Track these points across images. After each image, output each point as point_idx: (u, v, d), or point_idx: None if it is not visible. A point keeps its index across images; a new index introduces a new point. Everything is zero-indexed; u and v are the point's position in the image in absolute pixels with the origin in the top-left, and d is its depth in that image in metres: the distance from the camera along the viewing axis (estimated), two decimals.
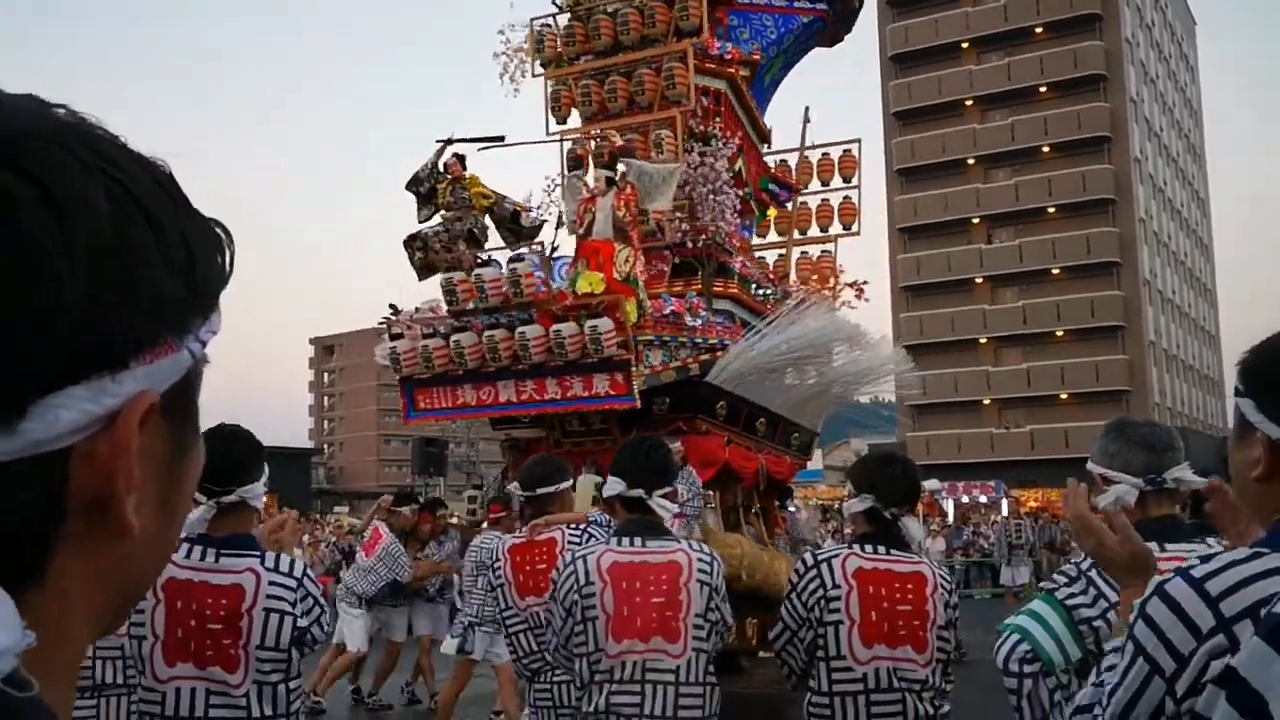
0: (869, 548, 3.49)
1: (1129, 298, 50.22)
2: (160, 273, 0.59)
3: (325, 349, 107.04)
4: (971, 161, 52.92)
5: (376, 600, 9.93)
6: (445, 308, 7.51)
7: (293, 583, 3.31)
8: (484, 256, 7.97)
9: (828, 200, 10.18)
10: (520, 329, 7.06)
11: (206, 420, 0.66)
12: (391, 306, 7.83)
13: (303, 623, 3.31)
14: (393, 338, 7.26)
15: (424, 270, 8.14)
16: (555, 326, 7.00)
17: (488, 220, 8.24)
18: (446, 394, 7.36)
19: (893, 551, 3.49)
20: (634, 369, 7.19)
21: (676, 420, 7.73)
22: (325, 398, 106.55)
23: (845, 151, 9.64)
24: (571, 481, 4.77)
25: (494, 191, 8.26)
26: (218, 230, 0.66)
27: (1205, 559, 1.57)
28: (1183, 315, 58.95)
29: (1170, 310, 56.21)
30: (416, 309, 7.62)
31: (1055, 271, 50.84)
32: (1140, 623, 1.56)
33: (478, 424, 72.41)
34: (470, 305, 7.31)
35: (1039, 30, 51.92)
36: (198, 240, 0.63)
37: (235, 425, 3.36)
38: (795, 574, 3.54)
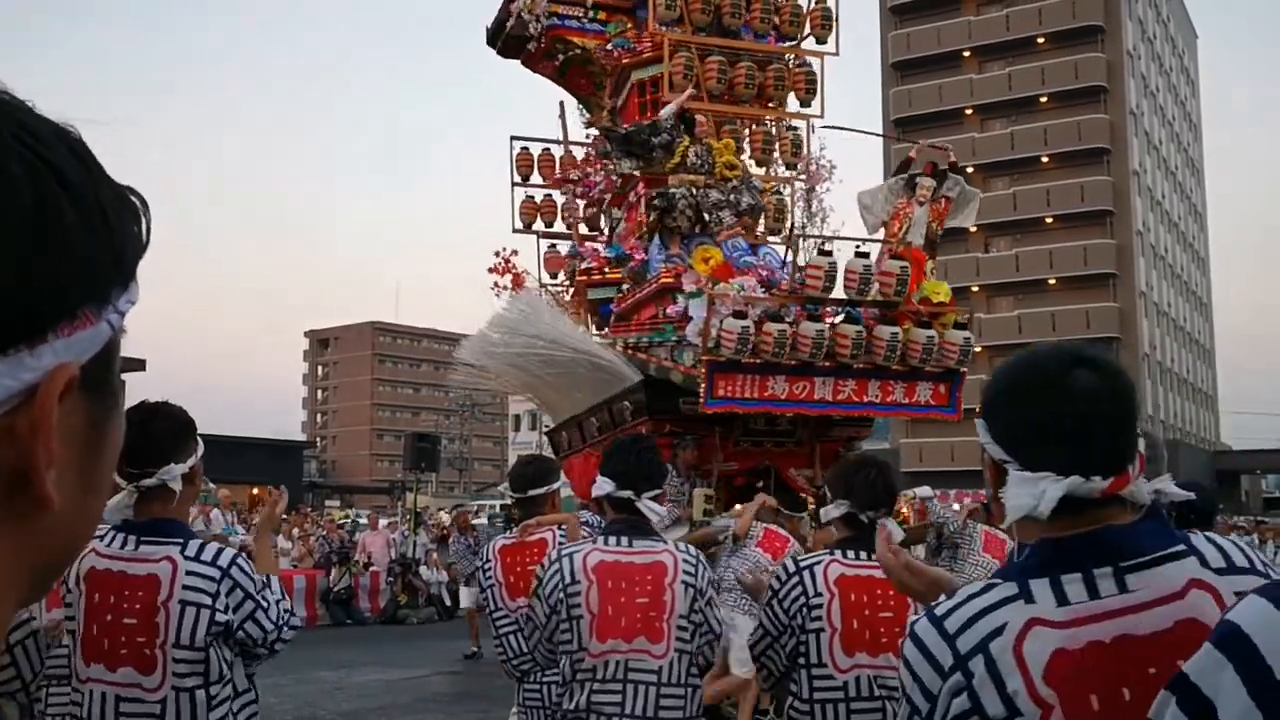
0: (850, 554, 3.49)
1: (1124, 310, 50.31)
2: (78, 243, 0.58)
3: (320, 342, 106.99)
4: (971, 170, 52.92)
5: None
6: (787, 292, 6.97)
7: (215, 573, 2.98)
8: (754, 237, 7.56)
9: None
10: (891, 329, 6.76)
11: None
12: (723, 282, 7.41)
13: (225, 617, 2.97)
14: (737, 315, 6.64)
15: (649, 233, 7.76)
16: (927, 331, 6.81)
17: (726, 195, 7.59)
18: (753, 383, 6.82)
19: (874, 557, 3.48)
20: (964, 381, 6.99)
21: (856, 428, 7.77)
22: (319, 391, 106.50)
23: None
24: (561, 482, 4.79)
25: (742, 164, 7.78)
26: (133, 199, 0.64)
27: (950, 594, 1.61)
28: (1177, 328, 59.07)
29: (1165, 323, 56.33)
30: (742, 288, 6.92)
31: (1051, 281, 50.95)
32: (901, 663, 1.59)
33: (471, 420, 71.02)
34: (822, 295, 6.86)
35: (1041, 40, 52.02)
36: (114, 209, 0.62)
37: (160, 402, 3.08)
38: (777, 580, 3.55)
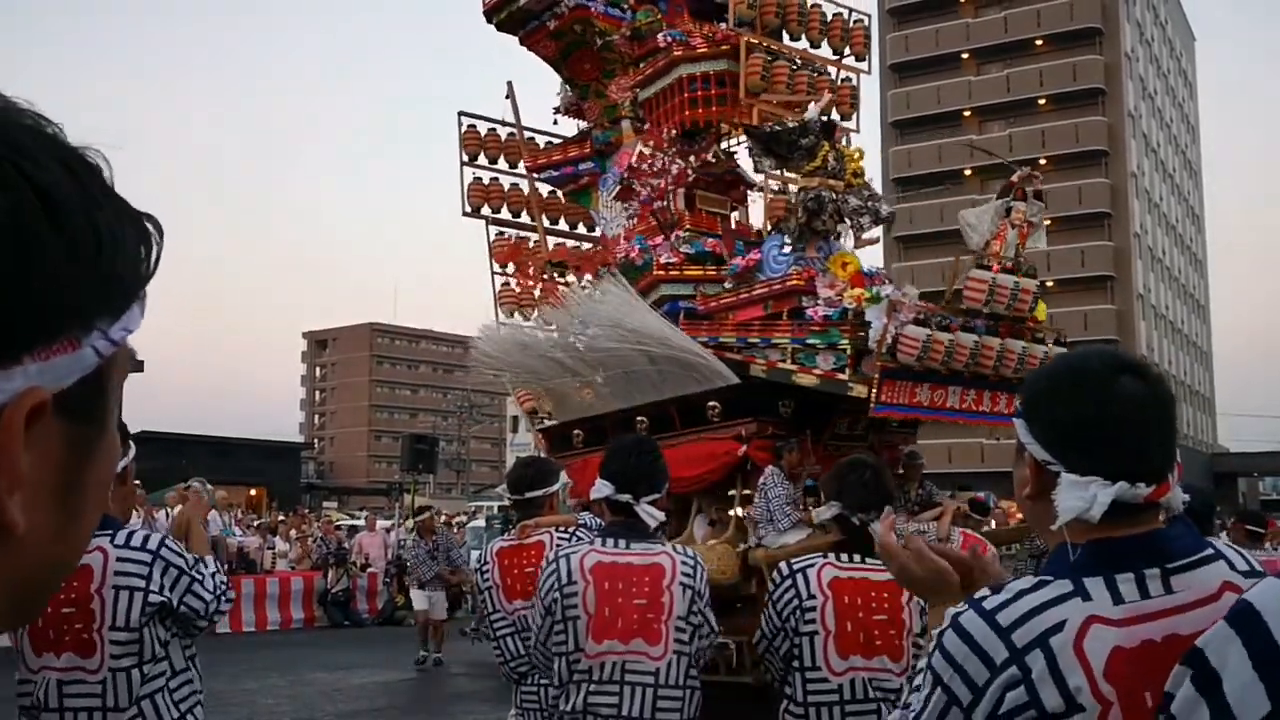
0: (844, 557, 3.48)
1: (1122, 312, 50.36)
2: (58, 267, 0.57)
3: (318, 343, 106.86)
4: (968, 172, 53.03)
5: None
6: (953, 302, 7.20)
7: (146, 556, 3.21)
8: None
9: None
10: (1020, 343, 7.05)
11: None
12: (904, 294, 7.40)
13: (159, 597, 3.18)
14: (918, 323, 6.75)
15: (795, 236, 7.65)
16: (1043, 347, 7.12)
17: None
18: (906, 390, 6.96)
19: (868, 560, 3.45)
20: None
21: (905, 433, 8.12)
22: (317, 392, 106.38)
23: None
24: (560, 484, 4.79)
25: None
26: (147, 224, 0.64)
27: (996, 589, 1.63)
28: (1175, 331, 59.11)
29: (1163, 325, 56.37)
30: (917, 296, 7.13)
31: (1050, 284, 50.87)
32: (937, 654, 1.61)
33: (469, 422, 70.92)
34: (976, 309, 7.06)
35: (1039, 42, 52.04)
36: (113, 234, 0.61)
37: None
38: (772, 582, 3.55)
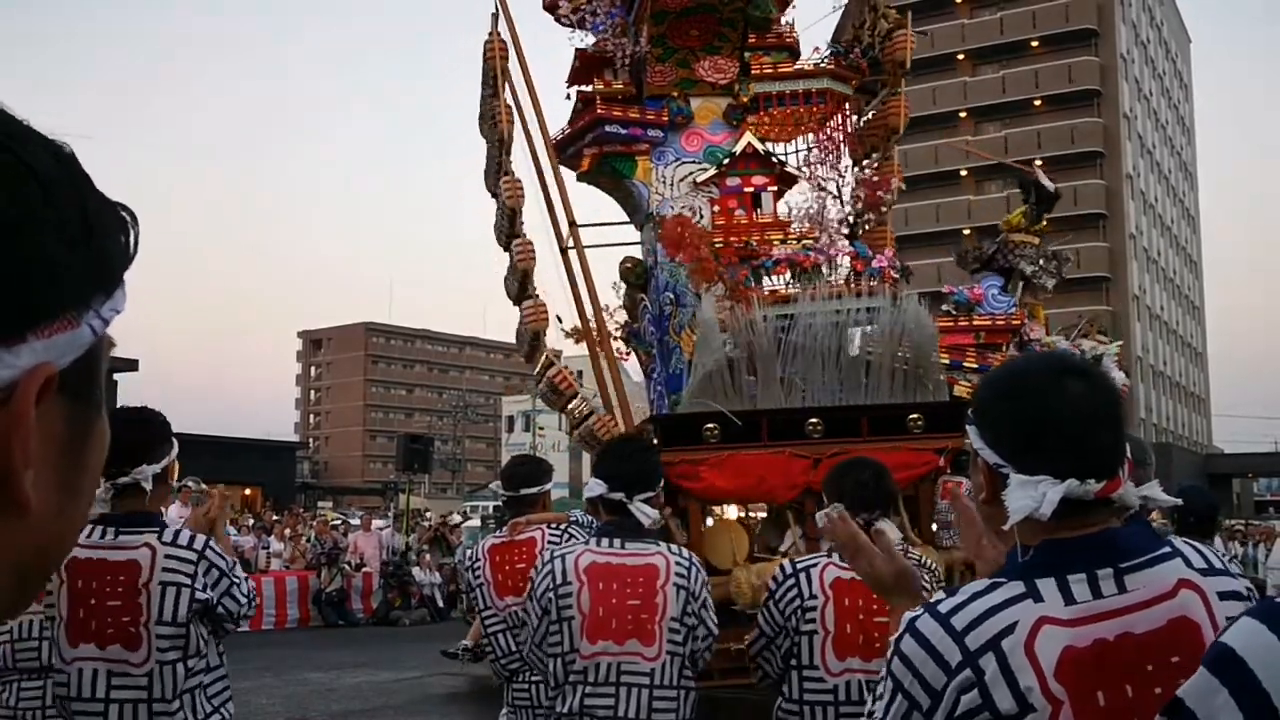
0: None
1: (1118, 313, 50.45)
2: (57, 247, 0.58)
3: (313, 343, 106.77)
4: (964, 173, 53.11)
5: None
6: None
7: (192, 555, 3.30)
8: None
9: None
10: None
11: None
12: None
13: (204, 595, 3.29)
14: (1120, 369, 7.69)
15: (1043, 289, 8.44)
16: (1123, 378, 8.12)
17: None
18: None
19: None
20: None
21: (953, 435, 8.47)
22: (312, 391, 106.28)
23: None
24: (552, 483, 4.79)
25: None
26: (122, 212, 0.65)
27: (951, 593, 1.65)
28: (1170, 331, 59.20)
29: (1158, 326, 56.46)
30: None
31: None
32: (895, 659, 1.62)
33: (465, 421, 70.89)
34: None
35: (1035, 44, 52.12)
36: (98, 217, 0.63)
37: (138, 408, 3.44)
38: (774, 581, 3.54)
